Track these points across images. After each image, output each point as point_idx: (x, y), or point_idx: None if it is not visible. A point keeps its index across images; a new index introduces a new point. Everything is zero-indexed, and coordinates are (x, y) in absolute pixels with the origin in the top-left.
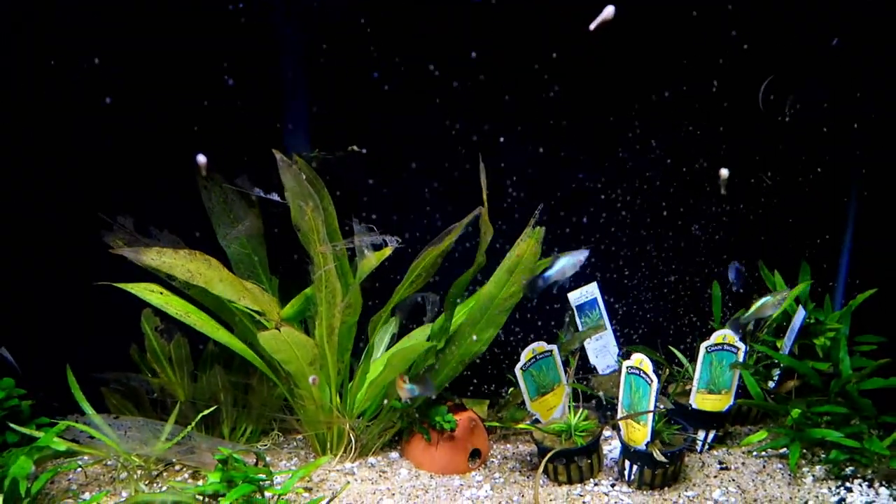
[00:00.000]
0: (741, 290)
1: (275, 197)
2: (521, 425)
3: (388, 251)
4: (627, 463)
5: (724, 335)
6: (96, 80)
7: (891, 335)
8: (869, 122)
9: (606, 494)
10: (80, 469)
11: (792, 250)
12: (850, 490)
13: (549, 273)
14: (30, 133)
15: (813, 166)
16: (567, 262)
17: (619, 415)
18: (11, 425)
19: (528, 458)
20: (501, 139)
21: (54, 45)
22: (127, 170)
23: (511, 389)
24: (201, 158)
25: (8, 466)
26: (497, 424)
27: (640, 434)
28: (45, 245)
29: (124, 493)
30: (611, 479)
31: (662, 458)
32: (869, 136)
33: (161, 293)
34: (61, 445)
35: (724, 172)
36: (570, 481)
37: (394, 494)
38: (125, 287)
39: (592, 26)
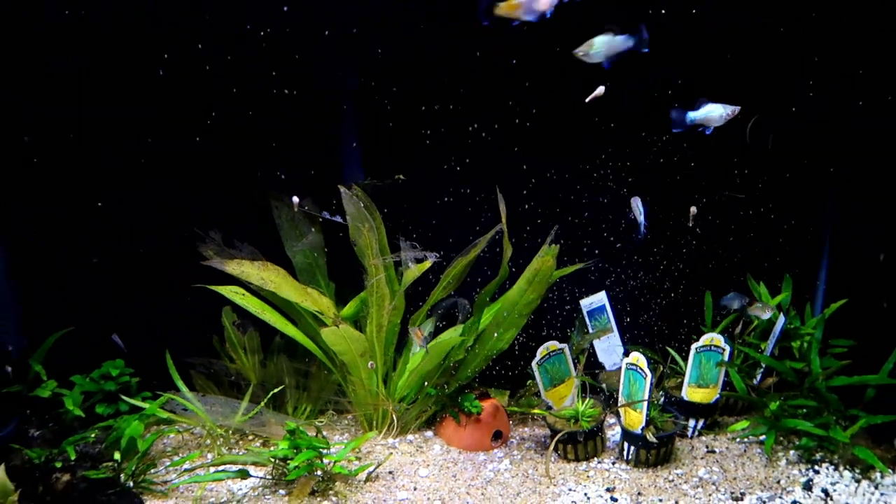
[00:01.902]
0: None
1: (338, 219)
2: (536, 411)
3: (428, 264)
4: (626, 444)
5: (711, 338)
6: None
7: (859, 339)
8: (844, 150)
9: (608, 470)
10: (172, 435)
11: (777, 264)
12: (817, 472)
13: (692, 115)
14: (152, 179)
15: (796, 193)
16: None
17: (620, 403)
18: (123, 397)
19: (542, 439)
20: (523, 166)
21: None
22: (219, 195)
23: (528, 381)
24: (295, 199)
25: (123, 429)
26: (516, 409)
27: (637, 420)
28: (150, 254)
29: (209, 456)
30: (612, 457)
31: (654, 440)
32: (843, 166)
33: (243, 294)
34: (164, 414)
35: (693, 209)
36: (577, 459)
37: (428, 465)
38: (216, 289)
39: (587, 100)
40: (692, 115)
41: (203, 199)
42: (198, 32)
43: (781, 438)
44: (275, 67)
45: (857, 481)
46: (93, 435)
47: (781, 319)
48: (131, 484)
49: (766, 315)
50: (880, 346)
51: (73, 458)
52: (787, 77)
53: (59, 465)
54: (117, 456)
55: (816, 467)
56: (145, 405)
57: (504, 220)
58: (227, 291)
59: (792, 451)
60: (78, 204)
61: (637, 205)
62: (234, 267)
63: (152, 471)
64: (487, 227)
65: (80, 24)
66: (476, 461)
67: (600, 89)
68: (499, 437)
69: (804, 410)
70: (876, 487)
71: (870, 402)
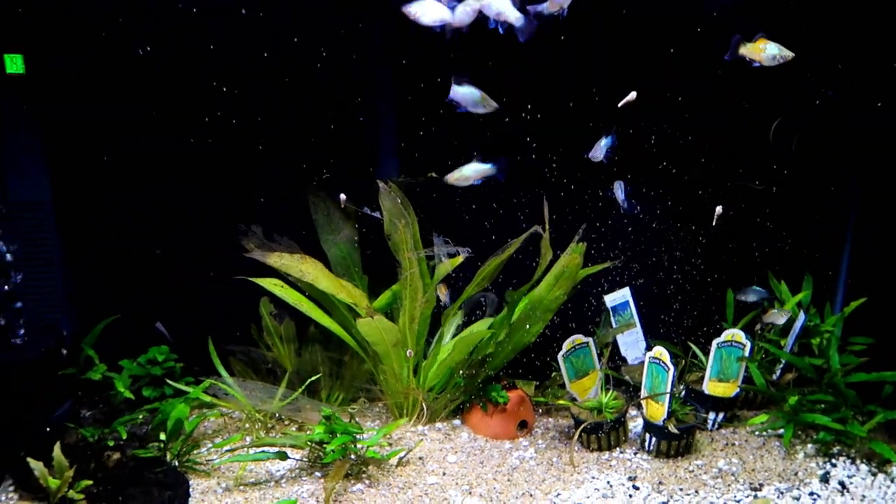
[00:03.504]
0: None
1: (377, 214)
2: (560, 402)
3: (459, 259)
4: (648, 435)
5: (732, 334)
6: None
7: (878, 337)
8: (865, 150)
9: (630, 460)
10: (213, 418)
11: (798, 263)
12: (834, 465)
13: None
14: (198, 175)
15: (818, 193)
16: None
17: (642, 395)
18: (168, 381)
19: (567, 429)
20: (553, 166)
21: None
22: (260, 191)
23: (554, 373)
24: (342, 196)
25: (168, 411)
26: (542, 400)
27: (658, 412)
28: (194, 246)
29: (248, 438)
30: (634, 448)
31: (676, 432)
32: (865, 169)
33: (281, 286)
34: (207, 398)
35: (719, 209)
36: (600, 448)
37: (456, 452)
38: (257, 281)
39: (619, 105)
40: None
41: (245, 193)
42: (238, 34)
43: (800, 432)
44: (313, 67)
45: (874, 474)
46: (140, 416)
47: (801, 317)
48: (176, 463)
49: (781, 321)
50: None
51: (124, 437)
52: (811, 75)
53: (111, 443)
54: (163, 436)
55: (834, 460)
56: (189, 389)
57: (547, 226)
58: (267, 283)
59: (810, 445)
60: (126, 198)
61: (619, 188)
62: (275, 259)
63: (196, 451)
64: (517, 223)
65: (129, 26)
66: (502, 449)
67: (632, 94)
68: (524, 426)
69: (822, 405)
70: (892, 481)
71: (887, 399)
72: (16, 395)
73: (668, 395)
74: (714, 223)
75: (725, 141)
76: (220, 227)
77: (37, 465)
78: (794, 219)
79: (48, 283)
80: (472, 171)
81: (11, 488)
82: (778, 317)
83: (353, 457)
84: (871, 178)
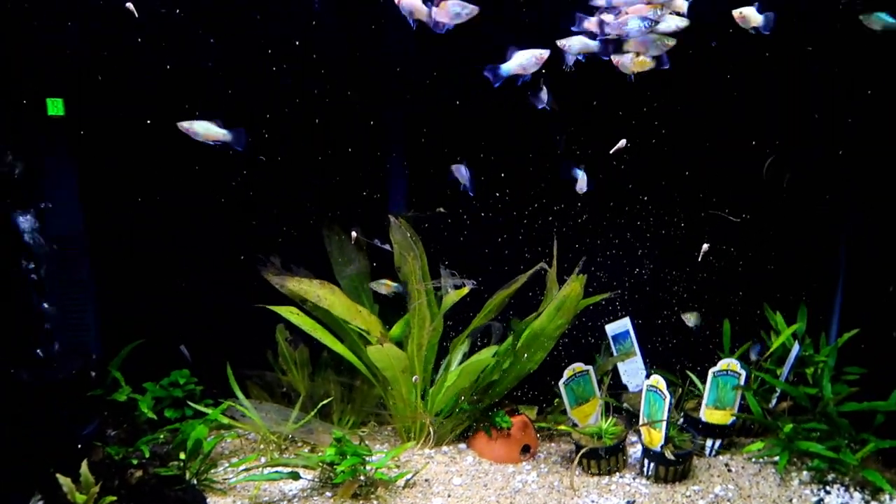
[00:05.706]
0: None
1: (388, 247)
2: (562, 427)
3: (465, 290)
4: (646, 461)
5: (728, 363)
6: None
7: (871, 368)
8: (858, 185)
9: (628, 485)
10: (229, 439)
11: (794, 295)
12: (828, 493)
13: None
14: (224, 214)
15: (813, 227)
16: None
17: (641, 422)
18: (189, 403)
19: (568, 454)
20: (556, 206)
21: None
22: (275, 225)
23: (555, 400)
24: (353, 233)
25: (188, 432)
26: (544, 425)
27: (656, 438)
28: (216, 277)
29: (262, 459)
30: (633, 473)
31: (673, 458)
32: (858, 203)
33: (297, 314)
34: (224, 420)
35: (705, 246)
36: (599, 473)
37: (462, 475)
38: (274, 308)
39: (611, 151)
40: (506, 68)
41: (264, 227)
42: (265, 79)
43: (795, 460)
44: (326, 101)
45: (867, 502)
46: (162, 436)
47: (796, 347)
48: (195, 482)
49: (692, 323)
50: (891, 374)
51: (147, 456)
52: (804, 111)
53: (134, 462)
54: (183, 456)
55: (828, 488)
56: (208, 411)
57: (555, 262)
58: (284, 311)
59: (805, 472)
60: (152, 232)
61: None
62: (294, 284)
63: (213, 470)
64: (519, 252)
65: (162, 67)
66: (505, 472)
67: (622, 142)
68: (527, 450)
69: (817, 433)
70: None
71: (879, 427)
72: (47, 414)
73: (664, 422)
74: (700, 259)
75: (722, 173)
76: (241, 258)
77: (65, 481)
78: (789, 251)
79: (79, 309)
80: (203, 129)
81: (41, 503)
82: (689, 319)
83: (362, 478)
84: (864, 211)
